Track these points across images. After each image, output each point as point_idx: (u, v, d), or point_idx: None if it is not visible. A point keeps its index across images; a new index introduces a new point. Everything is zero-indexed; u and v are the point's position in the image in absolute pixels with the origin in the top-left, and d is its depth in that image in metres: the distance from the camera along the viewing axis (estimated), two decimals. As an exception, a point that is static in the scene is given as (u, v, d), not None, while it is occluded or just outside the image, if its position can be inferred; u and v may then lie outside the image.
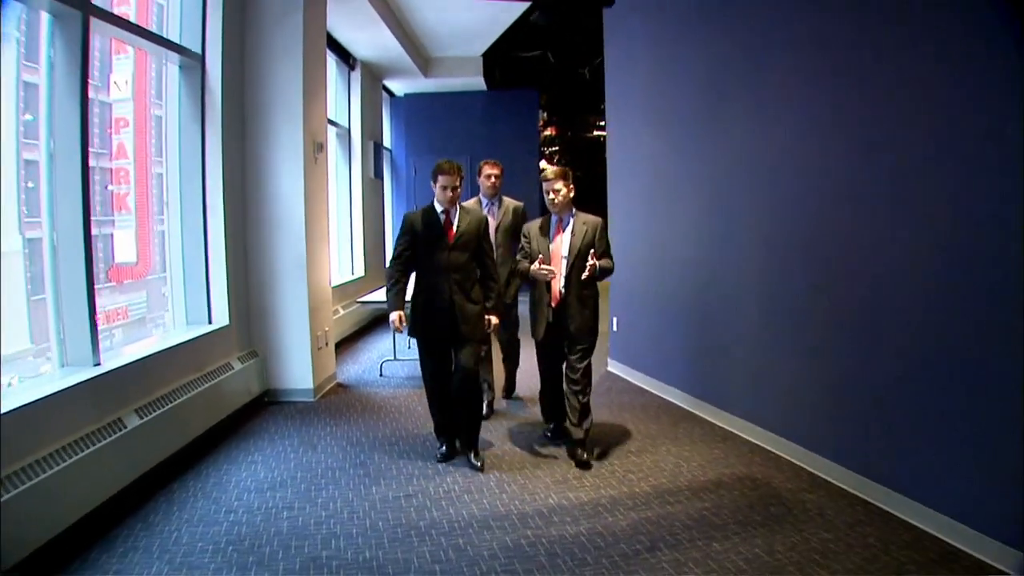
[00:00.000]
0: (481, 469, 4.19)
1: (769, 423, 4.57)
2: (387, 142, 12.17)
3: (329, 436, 4.94)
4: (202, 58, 5.19)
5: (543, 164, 13.77)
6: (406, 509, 3.72)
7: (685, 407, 5.55)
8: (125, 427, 3.80)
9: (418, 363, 4.54)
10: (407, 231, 4.26)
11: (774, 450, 4.48)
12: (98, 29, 4.09)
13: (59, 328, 3.86)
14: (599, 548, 3.26)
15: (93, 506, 3.47)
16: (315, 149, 5.96)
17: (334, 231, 8.23)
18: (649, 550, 3.23)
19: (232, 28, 5.39)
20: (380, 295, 6.84)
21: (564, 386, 4.43)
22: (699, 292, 5.38)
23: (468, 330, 4.20)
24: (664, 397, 5.88)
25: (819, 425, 4.12)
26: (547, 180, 4.33)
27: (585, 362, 4.33)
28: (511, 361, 5.73)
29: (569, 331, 4.30)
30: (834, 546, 3.23)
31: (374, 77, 10.63)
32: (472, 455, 4.27)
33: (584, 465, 4.25)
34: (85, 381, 3.65)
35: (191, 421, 4.52)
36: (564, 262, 4.28)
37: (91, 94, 3.99)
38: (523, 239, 4.50)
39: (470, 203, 5.03)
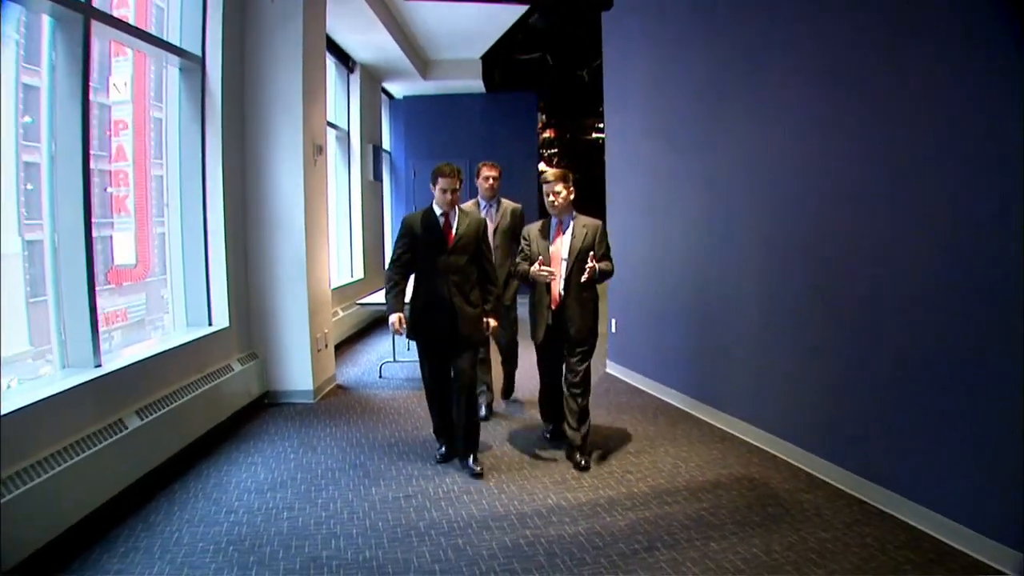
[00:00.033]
0: (480, 475, 4.17)
1: (767, 424, 4.57)
2: (386, 144, 12.17)
3: (329, 437, 4.94)
4: (202, 61, 5.20)
5: (542, 166, 13.77)
6: (406, 509, 3.72)
7: (683, 408, 5.55)
8: (126, 428, 3.81)
9: (417, 365, 4.54)
10: (406, 234, 4.26)
11: (772, 451, 4.48)
12: (99, 32, 4.09)
13: (60, 329, 3.86)
14: (597, 548, 3.27)
15: (94, 506, 3.48)
16: (315, 151, 5.96)
17: (333, 233, 8.23)
18: (647, 550, 3.24)
19: (232, 31, 5.40)
20: (379, 297, 6.85)
21: (563, 389, 4.43)
22: (698, 293, 5.39)
23: (467, 333, 4.19)
24: (662, 398, 5.89)
25: (818, 426, 4.12)
26: (547, 182, 4.33)
27: (585, 364, 4.33)
28: (509, 363, 5.72)
29: (569, 333, 4.30)
30: (831, 546, 3.23)
31: (373, 79, 10.64)
32: (471, 460, 4.25)
33: (582, 468, 4.25)
34: (86, 382, 3.65)
35: (191, 422, 4.52)
36: (564, 264, 4.28)
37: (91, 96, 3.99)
38: (523, 241, 4.50)
39: (468, 205, 5.03)
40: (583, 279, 4.17)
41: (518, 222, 5.26)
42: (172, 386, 4.42)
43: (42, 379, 3.80)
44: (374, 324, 9.62)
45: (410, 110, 12.44)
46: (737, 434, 4.84)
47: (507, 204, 5.36)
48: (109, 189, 4.72)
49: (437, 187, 4.17)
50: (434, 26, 9.42)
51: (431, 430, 4.61)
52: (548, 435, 4.81)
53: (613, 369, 6.91)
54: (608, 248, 4.36)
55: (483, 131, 12.37)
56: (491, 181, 5.26)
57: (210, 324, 5.29)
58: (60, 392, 3.45)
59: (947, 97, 3.19)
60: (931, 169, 3.27)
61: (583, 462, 4.27)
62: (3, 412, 3.03)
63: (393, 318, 4.27)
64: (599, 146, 14.14)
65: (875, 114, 3.60)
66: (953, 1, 3.17)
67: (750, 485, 3.99)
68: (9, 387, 3.52)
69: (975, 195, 3.07)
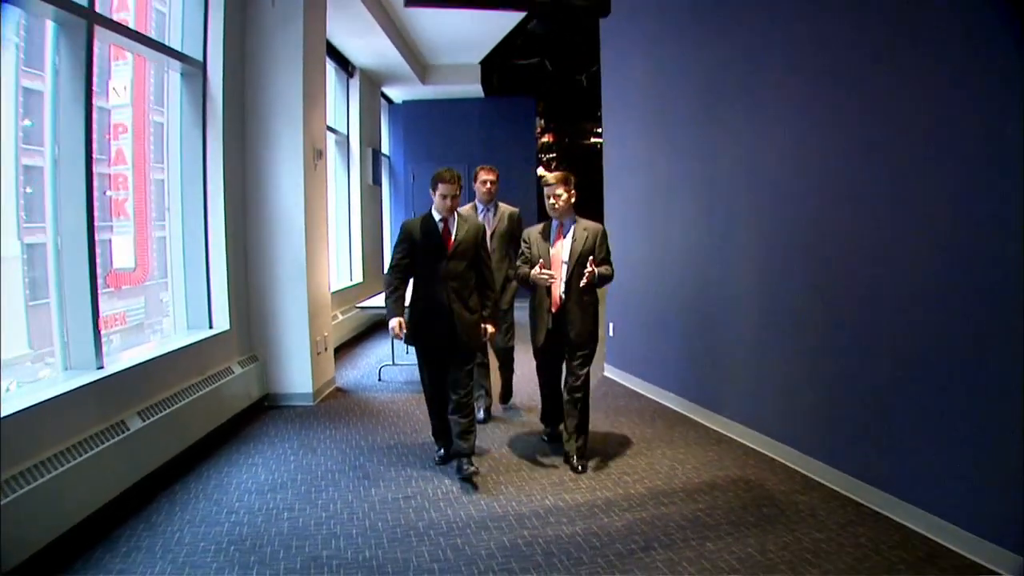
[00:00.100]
0: (476, 474, 4.11)
1: (765, 427, 4.57)
2: (385, 149, 12.19)
3: (329, 439, 4.94)
4: (203, 65, 5.22)
5: (540, 171, 13.79)
6: (405, 510, 3.73)
7: (681, 411, 5.56)
8: (128, 429, 3.81)
9: (415, 368, 4.53)
10: (405, 239, 4.25)
11: (769, 453, 4.48)
12: (102, 37, 4.11)
13: (63, 331, 3.86)
14: (595, 548, 3.28)
15: (96, 506, 3.49)
16: (315, 156, 5.98)
17: (333, 237, 8.24)
18: (644, 550, 3.25)
19: (233, 35, 5.42)
20: (378, 301, 6.86)
21: (563, 393, 4.42)
22: (696, 296, 5.39)
23: (466, 338, 4.18)
24: (660, 402, 5.89)
25: (815, 428, 4.12)
26: (548, 185, 4.33)
27: (585, 369, 4.32)
28: (507, 368, 5.69)
29: (569, 337, 4.29)
30: (826, 546, 3.24)
31: (373, 84, 10.67)
32: (465, 462, 4.12)
33: (579, 472, 4.24)
34: (88, 384, 3.66)
35: (192, 424, 4.53)
36: (564, 267, 4.27)
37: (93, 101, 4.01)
38: (523, 244, 4.48)
39: (465, 209, 5.04)
40: (582, 284, 4.16)
41: (515, 226, 5.26)
42: (173, 388, 4.42)
43: (41, 382, 3.80)
44: (373, 328, 9.63)
45: (409, 115, 12.47)
46: (734, 437, 4.85)
47: (504, 208, 5.36)
48: (108, 193, 4.72)
49: (437, 193, 4.16)
50: (433, 31, 9.45)
51: (430, 433, 4.61)
52: (546, 438, 4.81)
53: (611, 373, 6.92)
54: (608, 252, 4.36)
55: (482, 136, 12.39)
56: (489, 185, 5.26)
57: (211, 327, 5.29)
58: (63, 393, 3.45)
59: (947, 97, 3.20)
60: (931, 169, 3.28)
61: (580, 467, 4.27)
62: (4, 414, 3.03)
63: (393, 323, 4.26)
64: (597, 151, 14.16)
65: (875, 114, 3.60)
66: (953, 1, 3.18)
67: (746, 486, 4.00)
68: (8, 390, 3.52)
69: (975, 195, 3.07)
